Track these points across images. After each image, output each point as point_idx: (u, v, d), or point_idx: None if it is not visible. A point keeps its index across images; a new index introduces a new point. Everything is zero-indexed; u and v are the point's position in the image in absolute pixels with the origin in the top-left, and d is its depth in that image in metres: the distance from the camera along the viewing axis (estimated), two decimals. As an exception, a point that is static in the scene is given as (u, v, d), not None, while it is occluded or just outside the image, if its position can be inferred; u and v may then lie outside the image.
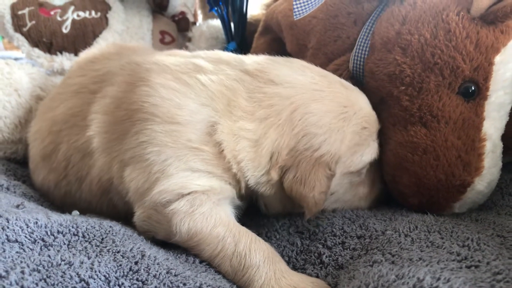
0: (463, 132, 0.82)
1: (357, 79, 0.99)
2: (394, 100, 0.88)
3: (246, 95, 0.81)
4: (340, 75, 1.00)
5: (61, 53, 1.41)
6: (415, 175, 0.85)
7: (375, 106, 0.92)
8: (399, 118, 0.88)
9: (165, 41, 1.72)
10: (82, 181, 0.92)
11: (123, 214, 0.88)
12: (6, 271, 0.57)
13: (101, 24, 1.53)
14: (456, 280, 0.57)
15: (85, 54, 1.12)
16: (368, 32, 0.97)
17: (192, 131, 0.78)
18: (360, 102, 0.86)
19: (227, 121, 0.79)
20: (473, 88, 0.82)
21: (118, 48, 1.08)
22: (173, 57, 0.91)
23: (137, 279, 0.62)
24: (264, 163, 0.79)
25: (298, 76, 0.84)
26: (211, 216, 0.75)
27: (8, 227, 0.68)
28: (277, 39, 1.38)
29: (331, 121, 0.79)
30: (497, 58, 0.82)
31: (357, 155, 0.84)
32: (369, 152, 0.86)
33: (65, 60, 1.41)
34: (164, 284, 0.62)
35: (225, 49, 1.56)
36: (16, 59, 2.35)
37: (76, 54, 1.41)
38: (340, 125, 0.80)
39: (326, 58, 1.07)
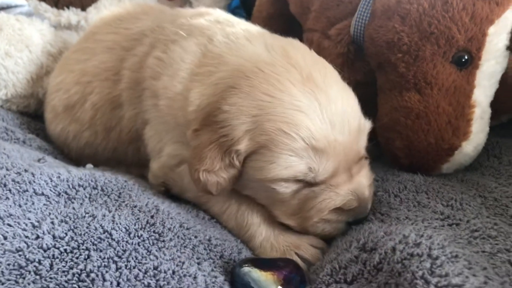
0: (454, 99, 0.87)
1: (357, 44, 1.03)
2: (391, 66, 0.93)
3: None
4: (341, 40, 1.04)
5: (68, 7, 1.42)
6: (407, 138, 0.90)
7: (374, 71, 0.97)
8: (395, 83, 0.93)
9: (170, -4, 1.72)
10: (110, 130, 1.00)
11: (144, 159, 0.96)
12: (38, 221, 0.64)
13: (107, -20, 1.53)
14: (437, 237, 0.63)
15: (109, 12, 1.16)
16: (370, -2, 1.00)
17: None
18: (305, 119, 0.67)
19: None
20: (466, 58, 0.87)
21: (146, 8, 1.11)
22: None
23: (154, 232, 0.68)
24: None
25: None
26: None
27: (34, 181, 0.74)
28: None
29: (246, 104, 0.69)
30: (491, 29, 0.86)
31: (263, 161, 0.69)
32: (278, 167, 0.68)
33: (72, 15, 1.42)
34: (178, 237, 0.70)
35: (229, 6, 1.58)
36: (16, 6, 2.34)
37: (83, 9, 1.43)
38: (254, 112, 0.68)
39: (328, 22, 1.10)
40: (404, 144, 0.91)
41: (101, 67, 1.01)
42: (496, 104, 0.93)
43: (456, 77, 0.88)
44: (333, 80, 0.75)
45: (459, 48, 0.87)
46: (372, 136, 0.81)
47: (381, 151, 1.01)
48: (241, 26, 0.88)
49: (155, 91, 0.84)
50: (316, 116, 0.68)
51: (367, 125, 0.77)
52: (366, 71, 1.03)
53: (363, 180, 0.75)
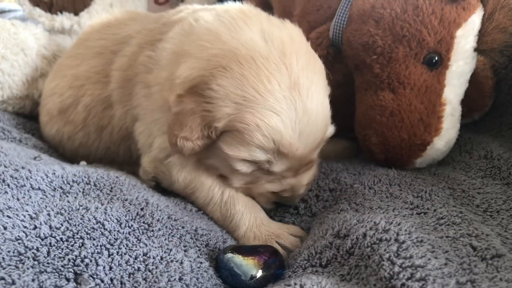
0: (425, 98, 0.93)
1: (336, 47, 1.08)
2: (367, 67, 0.99)
3: None
4: (321, 43, 1.10)
5: (61, 12, 1.46)
6: (382, 134, 0.96)
7: (351, 72, 1.02)
8: (370, 84, 0.98)
9: (159, 1, 1.76)
10: (102, 129, 1.05)
11: (135, 158, 1.01)
12: (35, 213, 0.69)
13: (99, -16, 1.57)
14: (405, 224, 0.69)
15: (99, 20, 1.20)
16: (347, 3, 1.05)
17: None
18: (273, 119, 0.74)
19: None
20: (436, 59, 0.93)
21: (132, 14, 1.16)
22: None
23: (143, 222, 0.73)
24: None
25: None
26: (202, 168, 0.87)
27: (31, 177, 0.78)
28: (266, 3, 1.45)
29: (234, 90, 0.73)
30: (459, 32, 0.92)
31: (233, 140, 0.76)
32: (244, 151, 0.76)
33: (65, 20, 1.46)
34: (166, 227, 0.75)
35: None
36: (10, 11, 2.38)
37: (75, 14, 1.48)
38: (239, 101, 0.73)
39: (309, 25, 1.15)
40: (379, 140, 0.97)
41: (92, 71, 1.06)
42: (468, 103, 0.99)
43: (427, 77, 0.94)
44: (316, 90, 0.78)
45: (430, 50, 0.93)
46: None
47: (359, 148, 1.06)
48: (232, 5, 0.90)
49: (148, 82, 0.90)
50: (290, 125, 0.74)
51: (330, 133, 0.85)
52: (345, 72, 1.08)
53: (303, 180, 0.85)
